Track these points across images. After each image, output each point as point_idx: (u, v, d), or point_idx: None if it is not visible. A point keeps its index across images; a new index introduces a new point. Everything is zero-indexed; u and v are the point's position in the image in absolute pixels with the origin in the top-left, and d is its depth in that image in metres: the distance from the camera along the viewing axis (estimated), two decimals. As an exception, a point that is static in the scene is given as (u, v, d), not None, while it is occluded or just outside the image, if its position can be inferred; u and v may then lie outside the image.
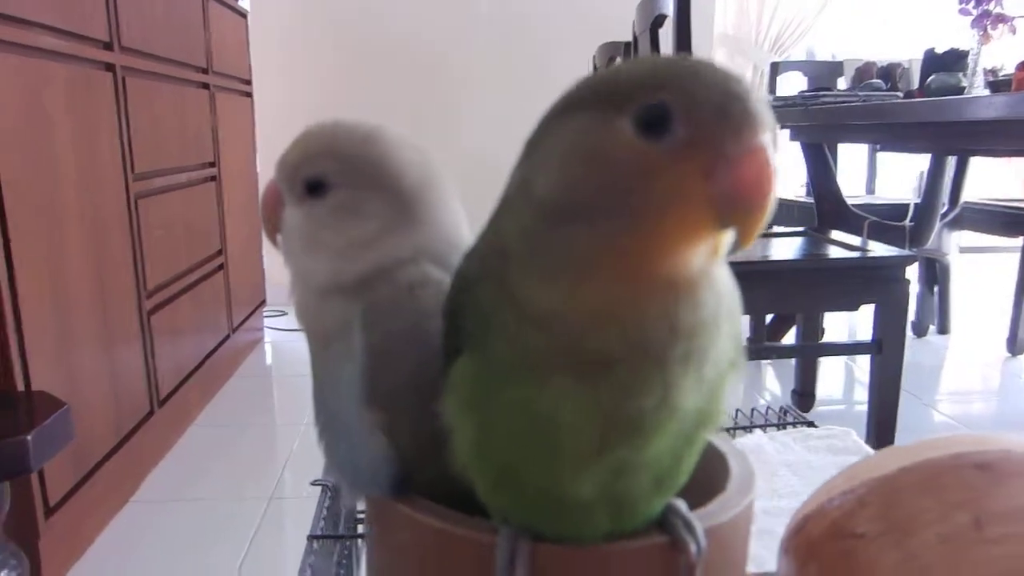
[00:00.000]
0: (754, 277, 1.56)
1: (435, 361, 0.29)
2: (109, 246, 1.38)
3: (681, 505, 0.29)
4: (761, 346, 2.27)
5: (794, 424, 0.75)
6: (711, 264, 0.24)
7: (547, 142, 0.25)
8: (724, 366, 0.26)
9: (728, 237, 0.23)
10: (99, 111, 1.36)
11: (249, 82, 2.46)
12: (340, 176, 0.32)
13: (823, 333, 2.19)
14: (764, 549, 0.46)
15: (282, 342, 2.57)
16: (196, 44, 1.95)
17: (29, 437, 0.62)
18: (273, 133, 2.79)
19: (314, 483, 0.48)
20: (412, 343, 0.29)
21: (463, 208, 0.35)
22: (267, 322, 2.67)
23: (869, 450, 0.68)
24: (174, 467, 1.60)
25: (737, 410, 0.80)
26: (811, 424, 0.74)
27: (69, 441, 0.67)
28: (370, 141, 0.33)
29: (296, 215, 0.33)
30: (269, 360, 2.41)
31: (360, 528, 0.50)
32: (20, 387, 1.09)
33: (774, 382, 2.18)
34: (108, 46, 1.40)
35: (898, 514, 0.32)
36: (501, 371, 0.26)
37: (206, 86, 2.01)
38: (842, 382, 2.21)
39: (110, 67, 1.41)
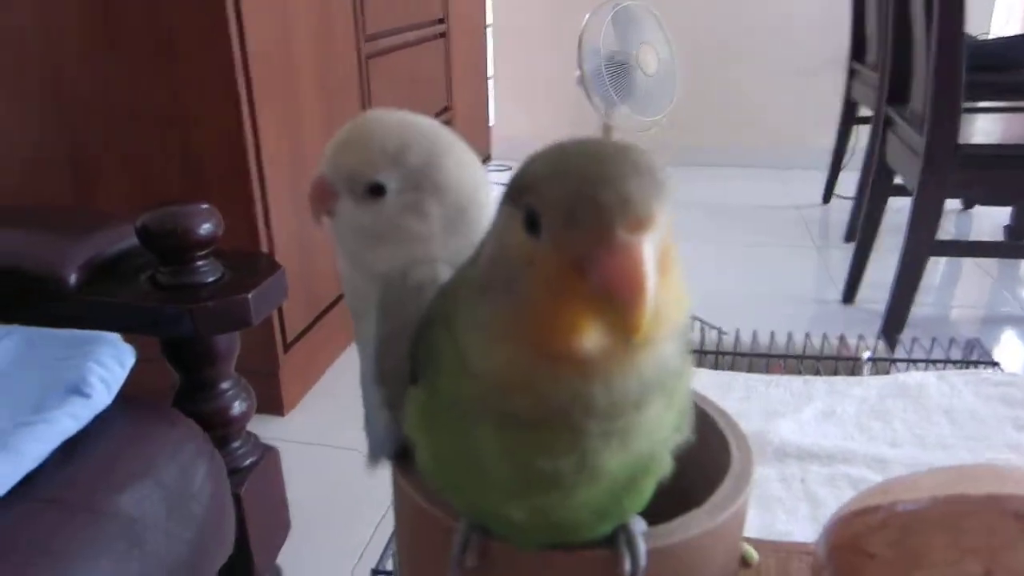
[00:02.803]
0: (1022, 161, 1.35)
1: None
2: (341, 109, 1.47)
3: (635, 523, 0.30)
4: (1018, 243, 2.00)
5: (976, 363, 0.65)
6: (630, 351, 0.24)
7: (493, 221, 0.27)
8: (663, 434, 0.27)
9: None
10: (332, -26, 1.42)
11: (481, -68, 2.43)
12: (400, 182, 0.33)
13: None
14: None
15: (503, 196, 2.65)
16: None
17: (250, 296, 0.70)
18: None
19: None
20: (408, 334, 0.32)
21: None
22: (492, 176, 2.76)
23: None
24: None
25: (914, 338, 0.71)
26: (995, 364, 0.64)
27: (283, 299, 0.76)
28: (433, 144, 0.34)
29: (351, 209, 0.34)
30: (490, 215, 2.51)
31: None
32: (263, 243, 1.23)
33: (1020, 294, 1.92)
34: (341, -93, 1.44)
35: (913, 545, 0.31)
36: (441, 405, 0.28)
37: (437, -60, 2.01)
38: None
39: (343, -72, 1.45)
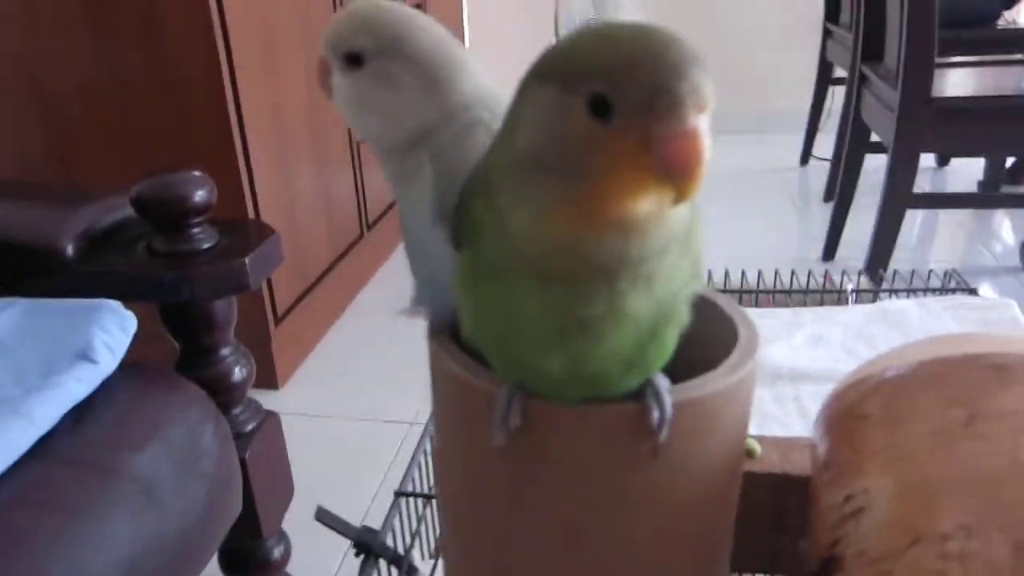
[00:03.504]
0: (994, 113, 1.38)
1: None
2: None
3: (659, 379, 0.33)
4: (996, 193, 2.04)
5: (954, 290, 0.69)
6: (662, 208, 0.27)
7: (525, 104, 0.29)
8: (680, 282, 0.30)
9: (672, 194, 0.26)
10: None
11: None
12: (374, 49, 0.37)
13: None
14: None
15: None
16: None
17: (247, 259, 0.72)
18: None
19: (357, 553, 0.51)
20: (469, 168, 0.35)
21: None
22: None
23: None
24: (383, 284, 1.77)
25: (895, 271, 0.74)
26: (974, 292, 0.67)
27: (279, 263, 0.77)
28: (400, 17, 0.37)
29: (342, 84, 0.38)
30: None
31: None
32: (250, 213, 1.24)
33: (1009, 233, 1.96)
34: None
35: (900, 403, 0.34)
36: (485, 266, 0.31)
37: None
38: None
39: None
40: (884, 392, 0.35)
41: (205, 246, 0.74)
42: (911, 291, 0.70)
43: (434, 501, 0.56)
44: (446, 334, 0.37)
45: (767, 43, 2.77)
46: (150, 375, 0.69)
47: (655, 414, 0.32)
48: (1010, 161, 2.11)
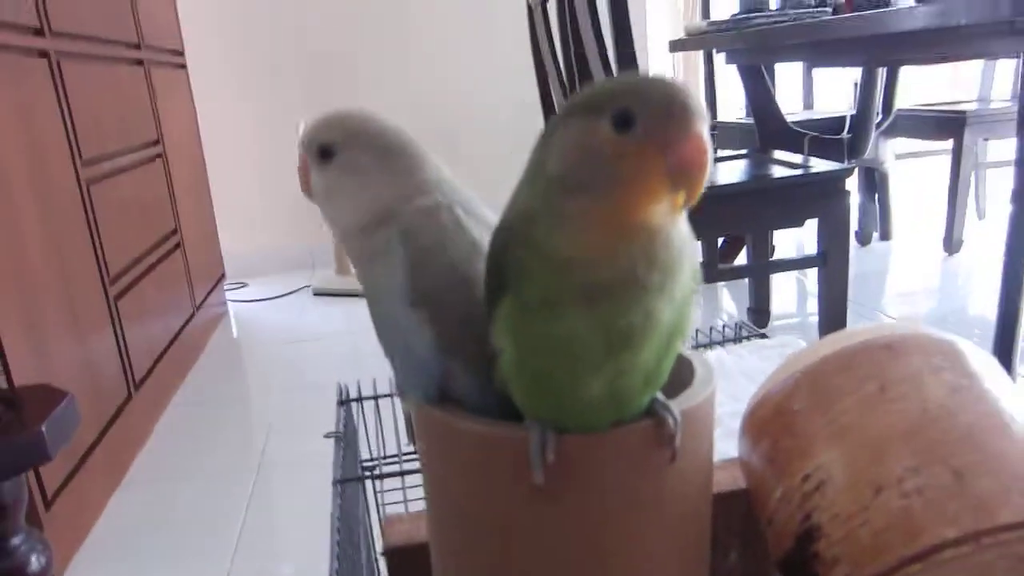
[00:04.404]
0: (702, 202, 1.61)
1: (460, 263, 0.41)
2: (68, 235, 1.37)
3: (662, 396, 0.39)
4: (715, 270, 2.35)
5: (748, 337, 0.81)
6: (673, 217, 0.34)
7: (556, 137, 0.35)
8: (688, 291, 0.37)
9: (680, 198, 0.33)
10: (39, 99, 1.34)
11: (182, 53, 2.41)
12: (342, 142, 0.42)
13: (774, 251, 2.28)
14: (731, 447, 0.52)
15: (245, 313, 2.58)
16: (125, 19, 1.90)
17: (43, 427, 0.65)
18: (210, 103, 2.74)
19: (327, 435, 0.54)
20: (440, 250, 0.40)
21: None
22: (228, 295, 2.67)
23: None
24: (159, 447, 1.63)
25: (697, 330, 0.86)
26: (764, 336, 0.80)
27: (77, 425, 0.71)
28: (364, 117, 0.43)
29: (320, 177, 0.43)
30: (235, 332, 2.42)
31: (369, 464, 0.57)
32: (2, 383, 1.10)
33: (730, 303, 2.26)
34: (39, 32, 1.37)
35: (823, 389, 0.42)
36: (532, 305, 0.35)
37: (140, 62, 1.97)
38: (795, 296, 2.31)
39: (44, 53, 1.38)
40: (804, 386, 0.42)
41: (-17, 421, 0.66)
42: (712, 344, 0.80)
43: None
44: (436, 404, 0.40)
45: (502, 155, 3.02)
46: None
47: (671, 422, 0.37)
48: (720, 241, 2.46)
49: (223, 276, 2.60)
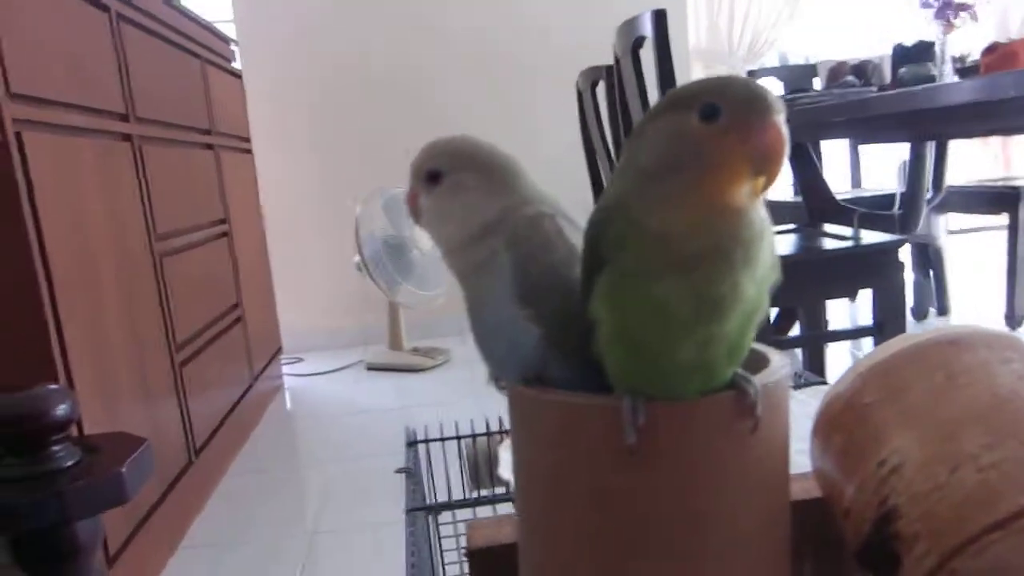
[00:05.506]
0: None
1: (561, 266, 0.44)
2: (141, 304, 1.45)
3: (743, 371, 0.42)
4: (769, 340, 2.33)
5: (809, 384, 0.82)
6: (754, 200, 0.38)
7: (646, 132, 0.39)
8: (768, 269, 0.40)
9: (760, 182, 0.37)
10: (122, 179, 1.44)
11: (248, 139, 2.55)
12: (448, 166, 0.46)
13: (827, 323, 2.25)
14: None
15: (299, 387, 2.63)
16: (199, 107, 2.04)
17: (124, 468, 0.68)
18: (273, 186, 2.88)
19: (398, 471, 0.56)
20: (544, 254, 0.44)
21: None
22: (284, 369, 2.74)
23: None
24: (217, 512, 1.66)
25: None
26: (824, 383, 0.81)
27: (152, 472, 0.73)
28: (466, 142, 0.48)
29: (428, 200, 0.47)
30: (289, 405, 2.47)
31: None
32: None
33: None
34: (124, 118, 1.49)
35: (893, 382, 0.44)
36: (631, 275, 0.39)
37: (211, 147, 2.09)
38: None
39: (127, 137, 1.49)
40: (874, 381, 0.44)
41: (68, 463, 0.69)
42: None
43: None
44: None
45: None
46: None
47: (752, 392, 0.40)
48: (774, 313, 2.45)
49: (280, 350, 2.66)
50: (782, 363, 0.45)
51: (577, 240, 0.44)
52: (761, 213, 0.39)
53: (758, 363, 0.45)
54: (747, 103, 0.36)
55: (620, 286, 0.39)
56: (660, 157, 0.38)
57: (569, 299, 0.43)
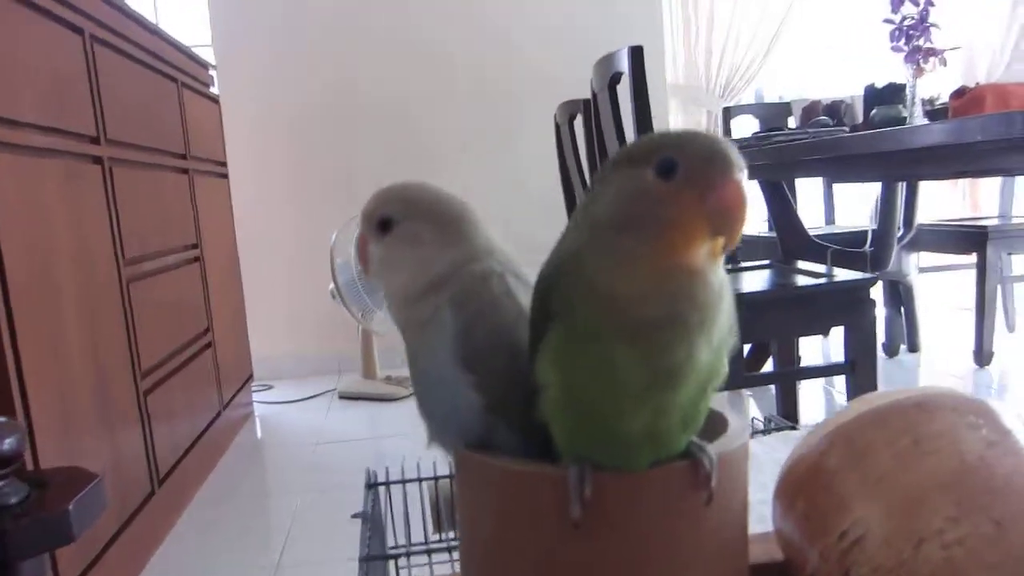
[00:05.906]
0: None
1: (507, 329, 0.42)
2: (105, 330, 1.41)
3: (698, 440, 0.40)
4: (741, 376, 2.33)
5: (778, 429, 0.82)
6: (713, 261, 0.36)
7: (604, 185, 0.37)
8: (725, 333, 0.38)
9: (719, 243, 0.35)
10: (90, 202, 1.42)
11: (224, 164, 2.53)
12: (401, 214, 0.44)
13: (799, 360, 2.26)
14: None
15: (270, 415, 2.59)
16: (174, 131, 2.02)
17: (71, 506, 0.65)
18: (248, 211, 2.85)
19: (354, 516, 0.54)
20: (490, 315, 0.41)
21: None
22: (255, 396, 2.69)
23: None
24: (178, 544, 1.61)
25: None
26: (794, 428, 0.80)
27: (103, 510, 0.71)
28: (421, 189, 0.46)
29: (378, 249, 0.45)
30: (259, 434, 2.42)
31: (394, 551, 0.58)
32: (29, 467, 1.11)
33: (756, 411, 2.24)
34: (95, 140, 1.46)
35: (857, 445, 0.43)
36: (579, 338, 0.36)
37: (185, 171, 2.07)
38: (822, 405, 2.27)
39: (98, 160, 1.47)
40: (839, 444, 0.43)
41: (13, 500, 0.67)
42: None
43: None
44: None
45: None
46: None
47: (707, 463, 0.38)
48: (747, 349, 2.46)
49: (251, 377, 2.62)
50: (741, 428, 0.43)
51: (526, 300, 0.42)
52: (720, 275, 0.37)
53: (716, 427, 0.43)
54: (706, 159, 0.34)
55: (568, 348, 0.37)
56: (615, 213, 0.36)
57: (515, 362, 0.41)
